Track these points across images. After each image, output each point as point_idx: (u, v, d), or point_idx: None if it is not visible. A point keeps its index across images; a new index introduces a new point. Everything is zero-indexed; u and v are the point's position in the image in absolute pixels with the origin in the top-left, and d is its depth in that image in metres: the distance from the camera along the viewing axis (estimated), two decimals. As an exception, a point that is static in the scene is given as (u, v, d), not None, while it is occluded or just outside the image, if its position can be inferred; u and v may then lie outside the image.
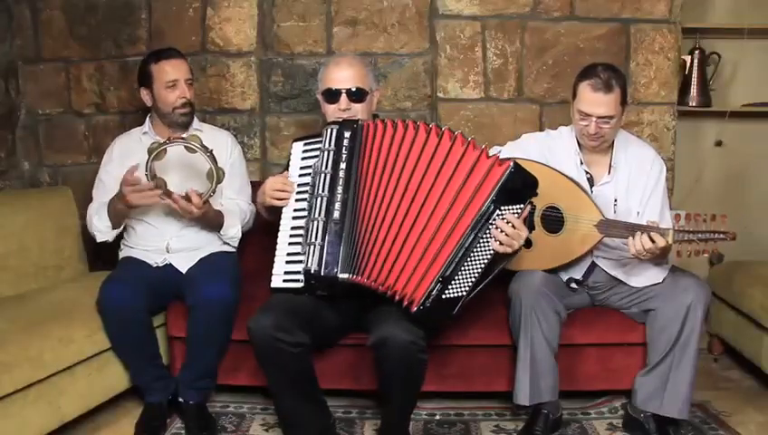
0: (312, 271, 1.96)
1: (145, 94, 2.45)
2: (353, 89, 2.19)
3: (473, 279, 1.91)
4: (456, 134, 1.97)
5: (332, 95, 2.20)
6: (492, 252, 1.91)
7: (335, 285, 1.98)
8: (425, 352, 1.92)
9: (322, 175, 2.03)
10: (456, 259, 1.90)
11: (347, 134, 2.05)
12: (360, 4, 2.88)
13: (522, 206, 1.92)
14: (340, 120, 2.13)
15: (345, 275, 1.95)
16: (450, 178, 1.93)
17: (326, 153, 2.05)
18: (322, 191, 2.01)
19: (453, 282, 1.90)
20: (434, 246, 1.92)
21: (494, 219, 1.90)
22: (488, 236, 1.90)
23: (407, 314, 1.92)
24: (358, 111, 2.19)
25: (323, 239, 1.97)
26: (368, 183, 2.00)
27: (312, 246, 1.97)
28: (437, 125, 2.03)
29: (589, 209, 2.18)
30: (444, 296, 1.90)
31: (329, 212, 1.99)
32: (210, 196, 2.22)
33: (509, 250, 1.91)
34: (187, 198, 2.21)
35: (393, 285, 1.93)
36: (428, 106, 2.94)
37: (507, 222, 1.90)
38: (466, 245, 1.90)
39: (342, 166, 2.02)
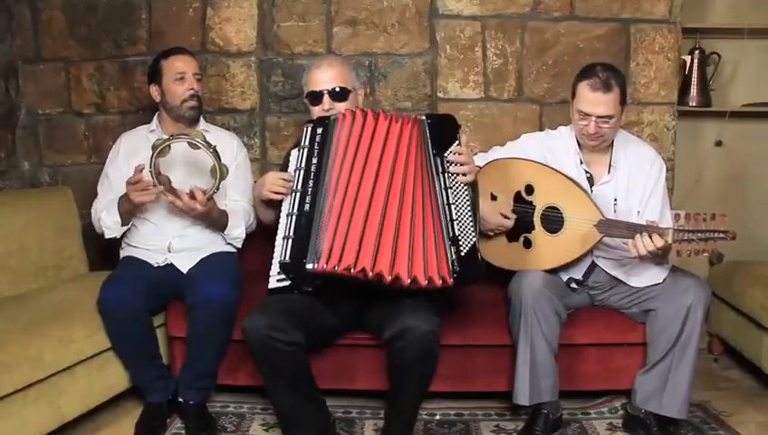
0: (285, 264, 1.98)
1: (154, 90, 2.48)
2: (336, 89, 2.22)
3: (471, 221, 2.00)
4: (377, 112, 2.10)
5: (315, 97, 2.24)
6: (466, 188, 2.03)
7: (313, 278, 1.98)
8: (439, 342, 1.94)
9: (298, 171, 2.09)
10: (450, 217, 1.98)
11: (319, 130, 2.13)
12: (360, 4, 2.88)
13: (458, 141, 2.06)
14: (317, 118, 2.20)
15: (311, 266, 1.95)
16: (385, 154, 2.03)
17: (302, 151, 2.13)
18: (296, 186, 2.07)
19: (460, 236, 1.96)
20: (428, 221, 1.97)
21: (448, 166, 2.03)
22: (454, 180, 2.03)
23: (422, 303, 1.94)
24: (341, 110, 2.21)
25: (295, 232, 2.00)
26: (336, 174, 2.04)
27: (286, 240, 2.00)
28: (383, 110, 2.16)
29: (589, 209, 2.18)
30: (463, 253, 1.95)
31: (301, 206, 2.04)
32: (214, 192, 2.23)
33: (473, 176, 2.06)
34: (191, 194, 2.21)
35: (409, 272, 1.92)
36: (428, 106, 2.94)
37: (456, 162, 2.03)
38: (447, 201, 1.99)
39: (314, 160, 2.09)
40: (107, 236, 2.43)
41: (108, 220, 2.38)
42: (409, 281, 1.91)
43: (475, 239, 1.98)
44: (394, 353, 1.92)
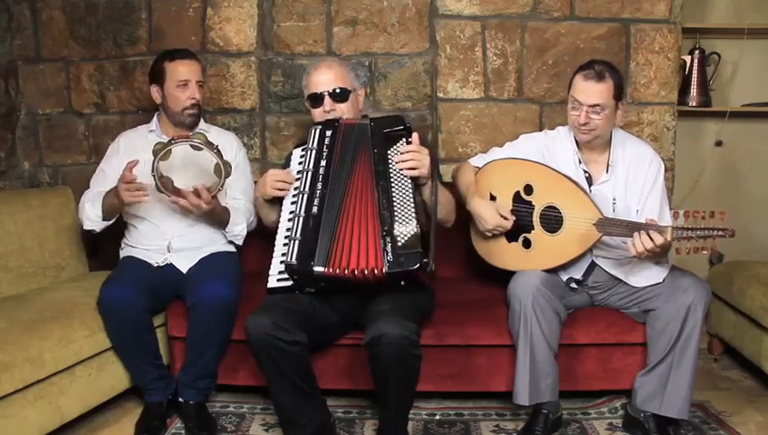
0: (292, 265, 1.99)
1: (155, 91, 2.46)
2: (337, 90, 2.23)
3: (412, 212, 1.98)
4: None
5: (316, 99, 2.24)
6: (409, 181, 2.02)
7: (318, 280, 2.00)
8: (418, 346, 1.93)
9: (306, 173, 2.10)
10: (384, 210, 1.98)
11: (328, 133, 2.14)
12: (360, 4, 2.89)
13: (409, 138, 2.06)
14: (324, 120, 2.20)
15: (320, 269, 1.97)
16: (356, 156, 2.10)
17: (310, 152, 2.13)
18: (304, 188, 2.08)
19: (397, 228, 1.96)
20: (370, 215, 2.00)
21: (390, 159, 2.04)
22: (395, 173, 2.02)
23: (399, 310, 1.94)
24: (343, 110, 2.23)
25: (302, 234, 2.01)
26: (351, 179, 2.05)
27: (293, 241, 2.01)
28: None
29: (587, 208, 2.17)
30: (400, 243, 1.95)
31: (309, 207, 2.04)
32: (219, 190, 2.24)
33: (424, 170, 2.02)
34: (196, 193, 2.22)
35: (357, 266, 1.96)
36: (428, 106, 2.94)
37: (401, 160, 2.02)
38: (383, 194, 2.00)
39: (323, 163, 2.09)
40: (86, 228, 2.41)
41: (90, 212, 2.37)
42: (357, 273, 1.96)
43: (416, 230, 1.96)
44: (372, 359, 1.93)
